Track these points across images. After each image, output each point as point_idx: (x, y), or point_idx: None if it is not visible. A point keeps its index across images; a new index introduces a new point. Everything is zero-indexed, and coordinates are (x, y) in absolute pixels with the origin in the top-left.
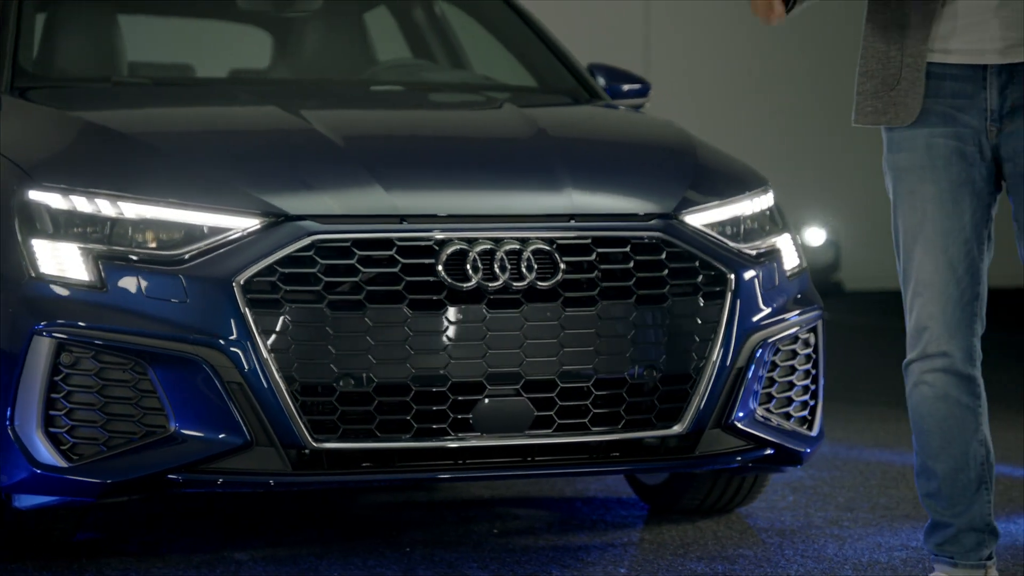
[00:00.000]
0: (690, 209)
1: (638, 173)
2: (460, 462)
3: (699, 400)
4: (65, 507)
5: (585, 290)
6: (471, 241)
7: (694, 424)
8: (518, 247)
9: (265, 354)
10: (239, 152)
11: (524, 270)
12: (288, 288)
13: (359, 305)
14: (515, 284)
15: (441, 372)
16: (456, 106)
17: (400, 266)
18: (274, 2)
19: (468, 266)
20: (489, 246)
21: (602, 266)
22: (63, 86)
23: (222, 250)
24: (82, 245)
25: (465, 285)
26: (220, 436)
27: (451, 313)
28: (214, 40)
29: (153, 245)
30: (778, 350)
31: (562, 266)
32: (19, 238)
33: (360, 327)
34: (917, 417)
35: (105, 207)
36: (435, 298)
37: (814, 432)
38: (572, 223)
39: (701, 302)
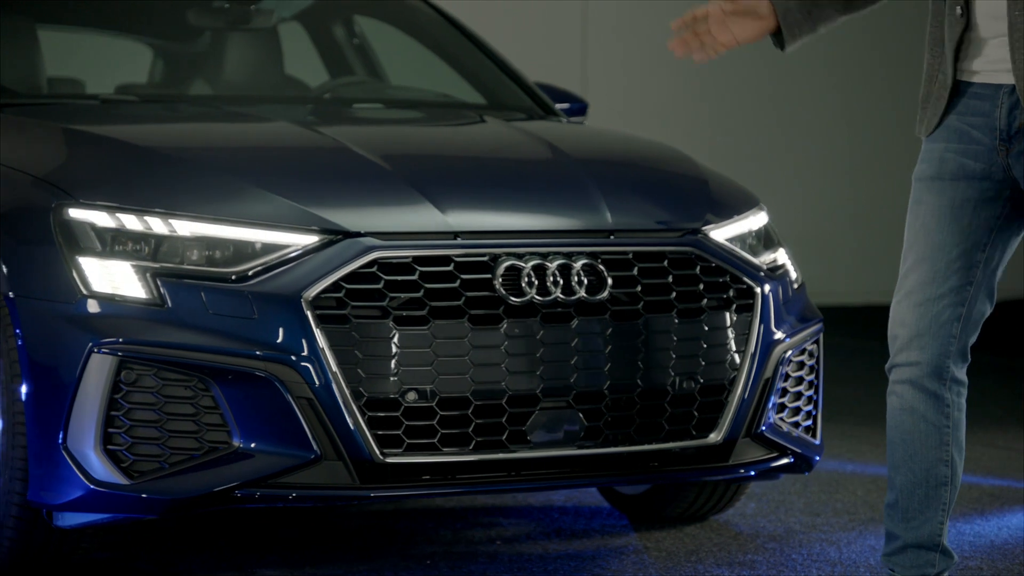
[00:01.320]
0: (713, 225)
1: (661, 189)
2: (515, 474)
3: (733, 410)
4: (104, 525)
5: (629, 304)
6: (521, 256)
7: (729, 434)
8: (567, 262)
9: (335, 369)
10: (283, 169)
11: (574, 285)
12: (354, 304)
13: (423, 320)
14: (567, 298)
15: (499, 386)
16: (460, 123)
17: (459, 282)
18: (226, 18)
19: (523, 281)
20: (539, 261)
21: (644, 280)
22: (43, 103)
23: (285, 267)
24: (135, 263)
25: (521, 300)
26: (289, 451)
27: (508, 327)
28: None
29: (210, 262)
30: (790, 361)
31: (609, 280)
32: (64, 256)
33: (424, 342)
34: (888, 426)
35: (157, 225)
36: (493, 313)
37: (817, 440)
38: (612, 238)
39: (733, 315)
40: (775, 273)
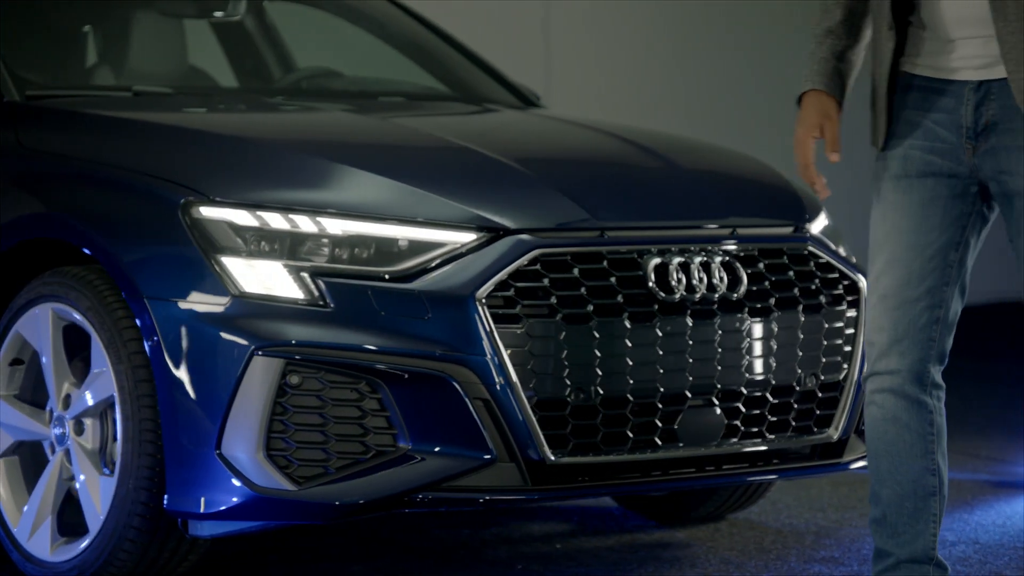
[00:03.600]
0: (810, 222)
1: (760, 187)
2: (665, 473)
3: (848, 406)
4: (245, 534)
5: (762, 300)
6: (664, 253)
7: (844, 430)
8: (707, 259)
9: (510, 369)
10: (418, 166)
11: (715, 281)
12: (524, 302)
13: (586, 318)
14: (711, 295)
15: (653, 384)
16: (520, 116)
17: (615, 279)
18: (195, 3)
19: (671, 278)
20: (683, 258)
21: (772, 277)
22: (73, 96)
23: (449, 265)
24: (287, 262)
25: (672, 297)
26: (464, 453)
27: (661, 325)
28: None
29: (367, 261)
30: None
31: (744, 277)
32: (205, 257)
33: (587, 340)
34: (869, 438)
35: (304, 223)
36: (647, 310)
37: None
38: (735, 234)
39: (845, 310)
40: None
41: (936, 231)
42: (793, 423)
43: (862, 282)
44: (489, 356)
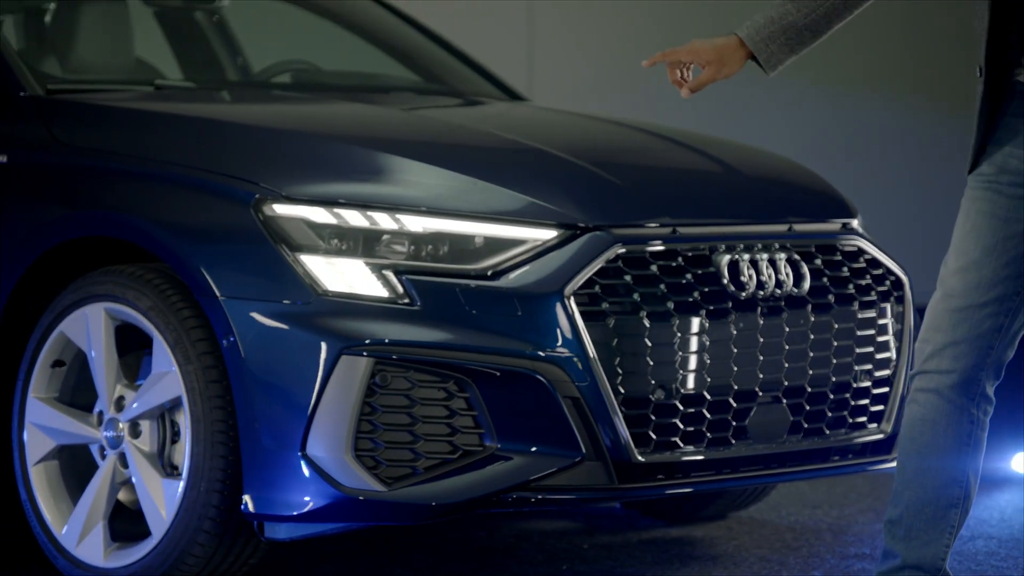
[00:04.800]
0: (853, 218)
1: (802, 184)
2: (736, 471)
3: (897, 402)
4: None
5: (822, 296)
6: (732, 249)
7: (894, 426)
8: (772, 255)
9: (599, 367)
10: (480, 159)
11: (782, 277)
12: (609, 300)
13: (667, 315)
14: (780, 291)
15: (727, 381)
16: (536, 111)
17: (692, 276)
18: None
19: (743, 275)
20: (752, 255)
21: (829, 272)
22: (102, 89)
23: (534, 262)
24: (369, 260)
25: (744, 294)
26: (553, 452)
27: (735, 321)
28: None
29: (451, 258)
30: None
31: (807, 273)
32: (283, 255)
33: (669, 337)
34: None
35: (384, 220)
36: (722, 307)
37: None
38: (792, 230)
39: (893, 306)
40: None
41: (1016, 239)
42: (849, 419)
43: (906, 277)
44: (580, 354)
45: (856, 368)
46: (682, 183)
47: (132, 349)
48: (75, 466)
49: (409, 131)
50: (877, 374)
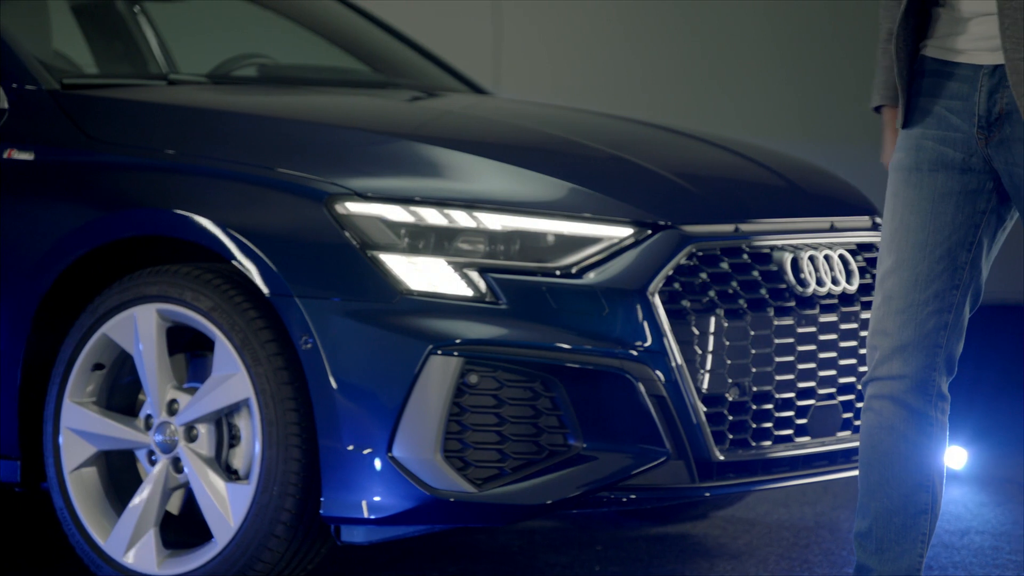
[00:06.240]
0: (878, 216)
1: (832, 183)
2: (795, 469)
3: None
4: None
5: (866, 292)
6: (792, 247)
7: None
8: (829, 253)
9: (682, 365)
10: (543, 157)
11: (837, 274)
12: (689, 297)
13: (741, 313)
14: (837, 289)
15: (791, 378)
16: (554, 107)
17: (759, 273)
18: None
19: (804, 273)
20: (812, 253)
21: (872, 270)
22: (119, 84)
23: (614, 260)
24: (450, 259)
25: (808, 291)
26: (639, 451)
27: (798, 319)
28: None
29: (531, 256)
30: None
31: (856, 270)
32: (362, 253)
33: (743, 335)
34: (862, 446)
35: (462, 218)
36: (787, 304)
37: None
38: (834, 227)
39: None
40: None
41: (946, 230)
42: None
43: None
44: (665, 353)
45: None
46: (734, 182)
47: (172, 352)
48: (112, 471)
49: (466, 128)
50: None
